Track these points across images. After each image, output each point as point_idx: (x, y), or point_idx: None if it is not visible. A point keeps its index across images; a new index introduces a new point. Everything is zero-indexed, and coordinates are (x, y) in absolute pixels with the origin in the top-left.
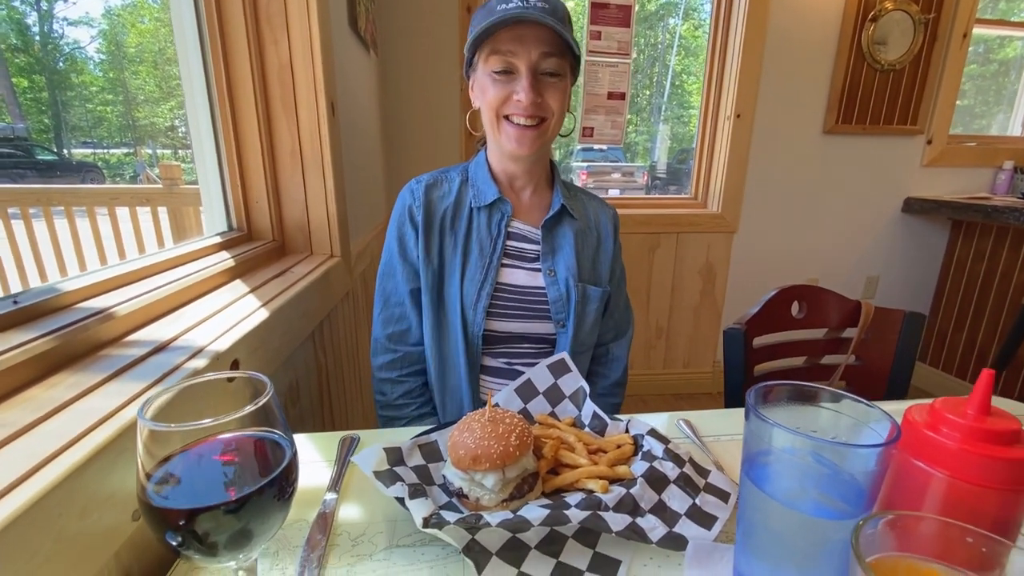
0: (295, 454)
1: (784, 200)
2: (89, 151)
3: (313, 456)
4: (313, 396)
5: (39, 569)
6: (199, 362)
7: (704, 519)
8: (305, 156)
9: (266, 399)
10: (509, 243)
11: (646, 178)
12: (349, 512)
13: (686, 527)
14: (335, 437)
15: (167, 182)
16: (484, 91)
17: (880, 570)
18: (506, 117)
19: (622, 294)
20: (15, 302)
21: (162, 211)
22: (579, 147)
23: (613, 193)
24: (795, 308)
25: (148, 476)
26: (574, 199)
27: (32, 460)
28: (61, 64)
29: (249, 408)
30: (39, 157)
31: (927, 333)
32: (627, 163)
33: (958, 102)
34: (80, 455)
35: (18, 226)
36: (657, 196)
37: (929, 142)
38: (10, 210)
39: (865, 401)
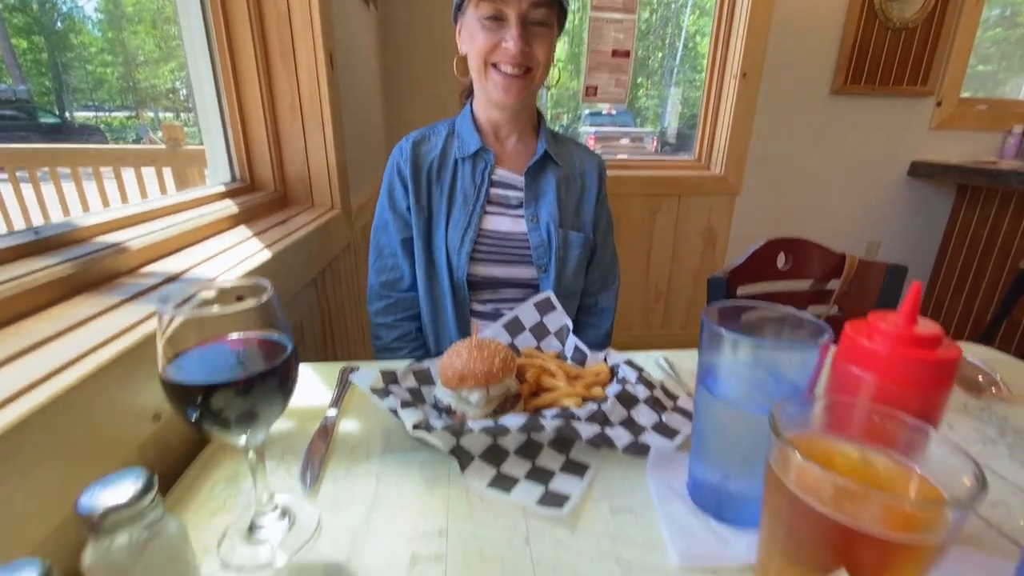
0: (294, 349)
1: (788, 162)
2: (91, 114)
3: (316, 382)
4: (317, 337)
5: (71, 454)
6: (207, 293)
7: (667, 432)
8: (304, 108)
9: (267, 297)
10: (493, 190)
11: (655, 144)
12: (348, 426)
13: (650, 437)
14: (337, 366)
15: (170, 143)
16: (472, 37)
17: (798, 444)
18: (493, 65)
19: (608, 245)
20: (36, 232)
21: (167, 172)
22: (587, 111)
23: (621, 157)
24: (781, 260)
25: (168, 361)
26: (559, 147)
27: (61, 360)
28: (59, 24)
29: (253, 302)
30: (42, 120)
31: (924, 299)
32: (636, 128)
33: (980, 67)
34: (105, 357)
35: (27, 190)
36: (659, 157)
37: (939, 104)
38: (18, 173)
39: (809, 316)
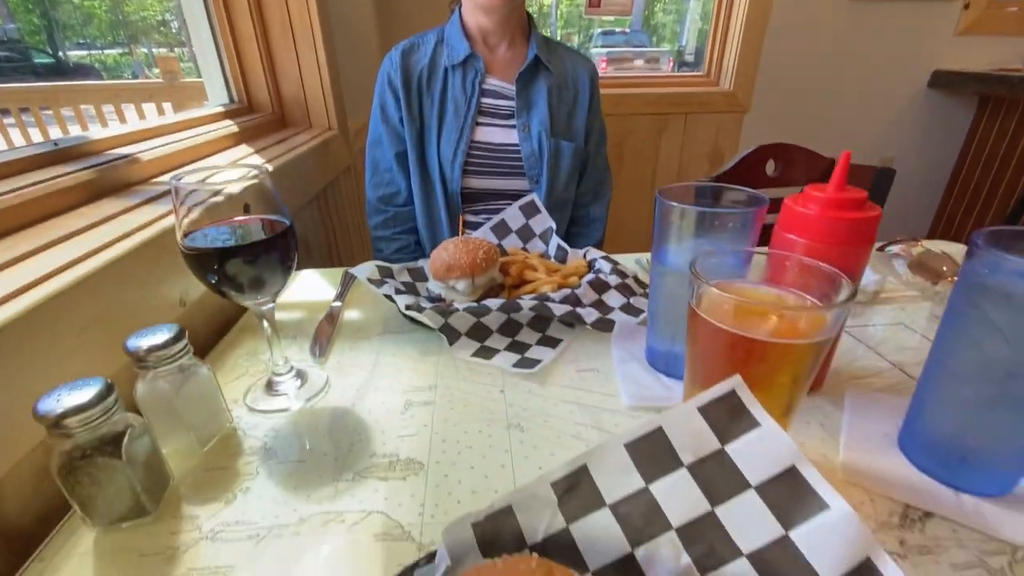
0: (291, 225)
1: (801, 76)
2: (84, 52)
3: (322, 284)
4: (323, 252)
5: (113, 324)
6: (216, 199)
7: (633, 311)
8: (295, 28)
9: (265, 174)
10: (484, 100)
11: (672, 64)
12: (351, 315)
13: (616, 315)
14: (340, 271)
15: (167, 75)
16: None
17: (719, 288)
18: None
19: (601, 155)
20: (55, 144)
21: (167, 107)
22: (599, 30)
23: (627, 74)
24: (770, 167)
25: (185, 235)
26: (552, 52)
27: (96, 244)
28: None
29: (253, 178)
30: (37, 60)
31: (935, 217)
32: (652, 48)
33: None
34: (132, 244)
35: (34, 134)
36: (667, 74)
37: (966, 7)
38: (24, 117)
39: (751, 190)
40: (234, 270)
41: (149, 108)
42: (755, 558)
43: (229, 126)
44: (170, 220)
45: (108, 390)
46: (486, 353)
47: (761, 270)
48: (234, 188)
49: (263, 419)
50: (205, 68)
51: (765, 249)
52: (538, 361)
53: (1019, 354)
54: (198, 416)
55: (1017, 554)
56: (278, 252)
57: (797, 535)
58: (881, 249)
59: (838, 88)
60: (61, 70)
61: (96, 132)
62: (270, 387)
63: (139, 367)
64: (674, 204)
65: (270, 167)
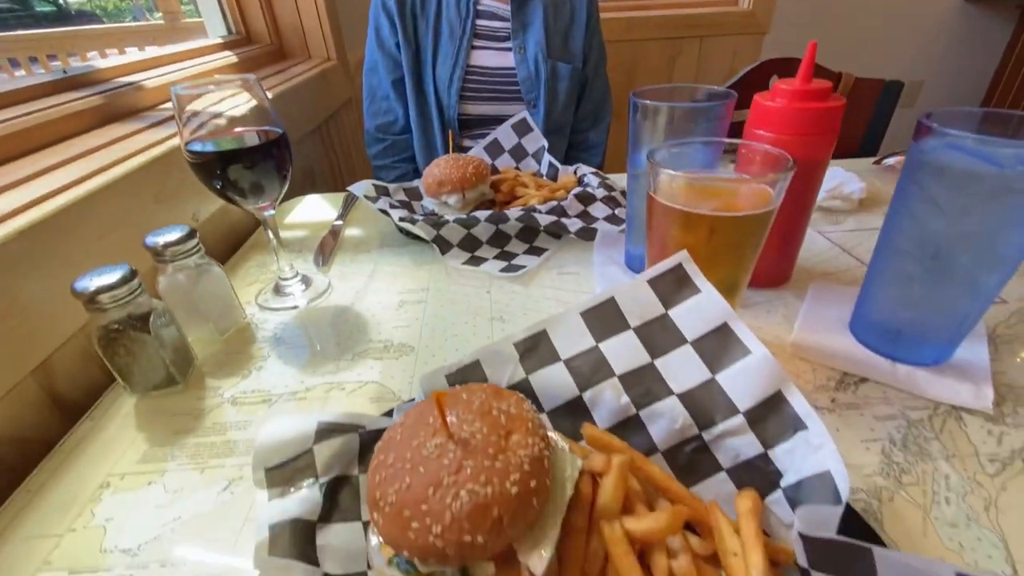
0: (284, 133)
1: None
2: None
3: (325, 206)
4: (327, 183)
5: (129, 228)
6: (215, 108)
7: (616, 221)
8: None
9: (255, 83)
10: (479, 22)
11: None
12: (351, 232)
13: (600, 225)
14: (342, 195)
15: (168, 16)
16: None
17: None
18: None
19: (600, 77)
20: (64, 72)
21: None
22: None
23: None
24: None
25: (187, 142)
26: None
27: (108, 160)
28: None
29: (245, 86)
30: (38, 9)
31: None
32: None
33: None
34: (145, 159)
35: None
36: None
37: None
38: (34, 68)
39: (722, 88)
40: (235, 175)
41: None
42: (683, 396)
43: (228, 56)
44: (176, 141)
45: (132, 274)
46: (476, 261)
47: (717, 159)
48: (229, 95)
49: (273, 315)
50: (203, 3)
51: (717, 138)
52: (523, 267)
53: (952, 226)
54: (215, 308)
55: (938, 409)
56: (273, 157)
57: (722, 377)
58: (878, 162)
59: (864, 5)
60: (62, 17)
61: (102, 62)
62: (278, 290)
63: (158, 261)
64: (646, 102)
65: (255, 78)
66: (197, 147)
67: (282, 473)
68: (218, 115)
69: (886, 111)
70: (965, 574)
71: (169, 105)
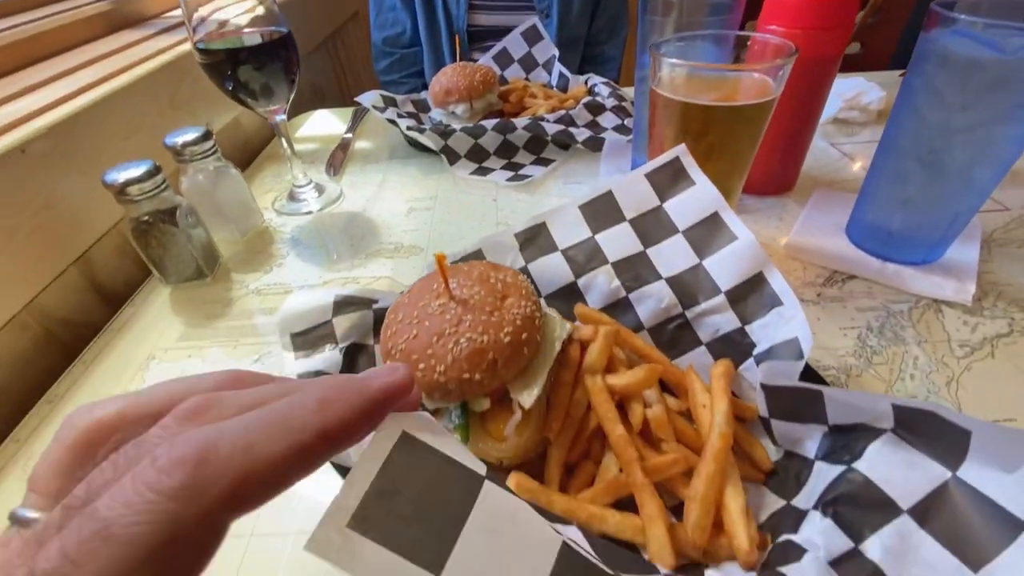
0: (290, 32)
1: None
2: None
3: (335, 121)
4: (336, 100)
5: (148, 131)
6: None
7: (625, 131)
8: None
9: None
10: None
11: None
12: (361, 144)
13: (609, 135)
14: (351, 110)
15: None
16: None
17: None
18: None
19: None
20: None
21: None
22: None
23: None
24: None
25: (195, 43)
26: None
27: (122, 64)
28: None
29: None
30: None
31: None
32: None
33: None
34: (158, 63)
35: None
36: None
37: None
38: None
39: None
40: (244, 75)
41: None
42: (671, 280)
43: None
44: (186, 46)
45: (156, 169)
46: (483, 172)
47: (724, 52)
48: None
49: (290, 219)
50: None
51: (722, 31)
52: (530, 176)
53: (952, 117)
54: (235, 210)
55: (920, 303)
56: (280, 58)
57: (708, 262)
58: (903, 74)
59: None
60: None
61: None
62: (293, 197)
63: (179, 161)
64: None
65: None
66: (206, 46)
67: (305, 339)
68: (225, 21)
69: (917, 24)
70: (900, 404)
71: (177, 12)
